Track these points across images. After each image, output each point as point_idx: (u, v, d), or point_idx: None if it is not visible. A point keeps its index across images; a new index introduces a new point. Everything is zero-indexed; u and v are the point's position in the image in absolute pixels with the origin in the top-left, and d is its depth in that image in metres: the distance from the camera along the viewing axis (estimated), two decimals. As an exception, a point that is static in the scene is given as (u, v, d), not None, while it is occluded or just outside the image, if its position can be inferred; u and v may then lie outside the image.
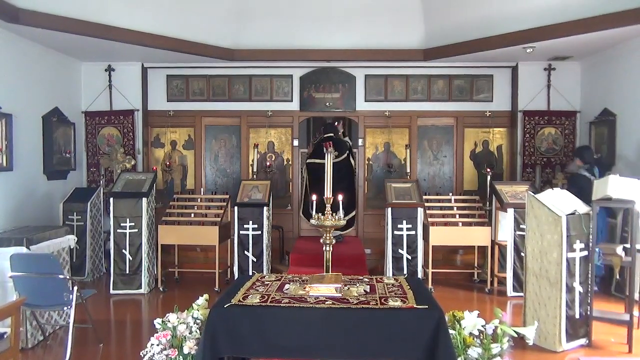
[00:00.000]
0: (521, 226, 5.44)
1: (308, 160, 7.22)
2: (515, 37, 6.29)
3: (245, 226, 6.06)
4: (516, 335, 3.32)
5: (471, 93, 7.80)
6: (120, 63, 7.54)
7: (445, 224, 6.09)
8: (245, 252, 6.05)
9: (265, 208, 6.09)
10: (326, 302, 2.82)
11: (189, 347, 3.18)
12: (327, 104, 7.80)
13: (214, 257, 6.01)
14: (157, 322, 3.43)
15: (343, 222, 3.48)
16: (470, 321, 3.21)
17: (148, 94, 7.84)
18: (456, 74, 7.76)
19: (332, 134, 7.10)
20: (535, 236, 4.26)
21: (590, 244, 4.19)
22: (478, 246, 6.26)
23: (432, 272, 5.98)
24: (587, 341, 4.20)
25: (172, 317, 3.39)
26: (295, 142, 7.95)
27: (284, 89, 7.90)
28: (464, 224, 6.07)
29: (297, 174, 7.97)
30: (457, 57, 7.09)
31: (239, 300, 2.86)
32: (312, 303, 2.82)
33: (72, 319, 4.00)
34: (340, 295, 2.92)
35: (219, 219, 6.18)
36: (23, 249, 4.24)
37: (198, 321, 3.36)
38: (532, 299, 4.31)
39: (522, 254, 4.89)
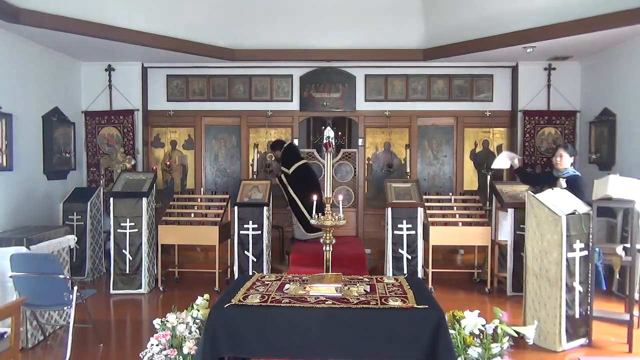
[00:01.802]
0: (521, 226, 5.44)
1: (293, 168, 7.00)
2: (515, 37, 6.28)
3: (245, 226, 6.05)
4: (516, 335, 3.32)
5: (471, 93, 7.80)
6: (120, 63, 7.55)
7: (445, 223, 6.09)
8: (245, 252, 6.05)
9: (265, 208, 6.09)
10: (326, 302, 2.82)
11: (189, 347, 3.18)
12: (324, 103, 7.78)
13: (214, 257, 6.01)
14: (157, 322, 3.43)
15: (343, 222, 3.48)
16: (470, 321, 3.21)
17: (148, 93, 7.84)
18: (456, 73, 7.76)
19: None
20: (535, 236, 4.26)
21: (590, 244, 4.19)
22: (478, 246, 6.26)
23: (432, 272, 5.98)
24: (587, 341, 4.20)
25: (171, 317, 3.38)
26: (295, 142, 7.94)
27: (283, 88, 7.90)
28: (464, 223, 6.07)
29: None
30: (457, 57, 7.08)
31: (239, 300, 2.86)
32: (312, 303, 2.81)
33: (72, 319, 3.99)
34: (341, 295, 2.92)
35: (219, 219, 6.18)
36: (23, 249, 4.24)
37: (197, 321, 3.36)
38: (532, 299, 4.31)
39: (522, 254, 4.89)
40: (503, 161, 6.01)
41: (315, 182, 7.11)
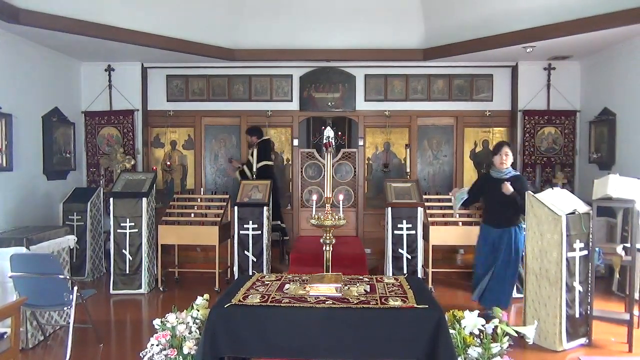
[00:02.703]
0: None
1: (260, 165, 7.05)
2: (515, 36, 6.28)
3: (245, 226, 6.06)
4: (516, 335, 3.32)
5: (471, 93, 7.80)
6: (120, 63, 7.54)
7: (445, 223, 6.09)
8: (245, 252, 6.05)
9: (265, 208, 6.09)
10: (326, 302, 2.82)
11: (189, 347, 3.18)
12: (329, 103, 7.80)
13: (214, 257, 6.01)
14: (156, 322, 3.43)
15: (343, 222, 3.47)
16: (470, 321, 3.21)
17: (148, 94, 7.84)
18: (456, 73, 7.76)
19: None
20: (535, 236, 4.26)
21: (590, 244, 4.19)
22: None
23: (432, 272, 5.98)
24: (587, 340, 4.20)
25: (170, 317, 3.38)
26: (295, 142, 7.95)
27: (283, 88, 7.90)
28: (464, 223, 6.07)
29: (297, 174, 7.98)
30: (457, 57, 7.08)
31: (239, 300, 2.86)
32: (312, 303, 2.81)
33: (72, 319, 4.00)
34: (341, 295, 2.92)
35: (219, 219, 6.18)
36: (23, 249, 4.24)
37: (197, 321, 3.35)
38: (532, 299, 4.31)
39: (522, 254, 4.89)
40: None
41: (275, 187, 7.11)
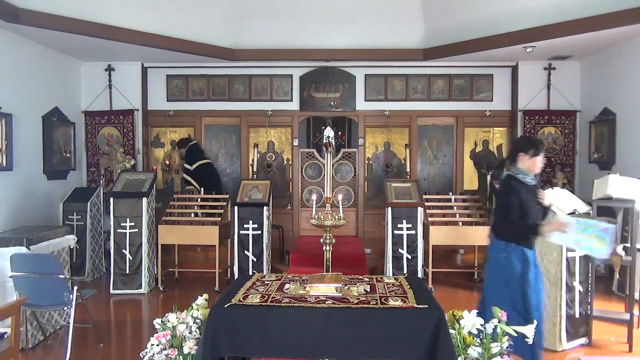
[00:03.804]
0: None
1: (196, 165, 7.26)
2: (515, 36, 6.29)
3: (245, 226, 6.06)
4: (516, 335, 3.31)
5: (471, 92, 7.80)
6: (120, 63, 7.55)
7: (446, 223, 6.09)
8: (245, 251, 6.05)
9: (265, 208, 6.09)
10: (326, 302, 2.82)
11: (189, 347, 3.18)
12: (332, 103, 7.79)
13: (214, 257, 6.01)
14: (157, 322, 3.43)
15: (343, 222, 3.48)
16: (469, 321, 3.21)
17: (148, 93, 7.84)
18: (456, 73, 7.76)
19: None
20: (535, 235, 4.25)
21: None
22: (478, 246, 6.26)
23: (432, 272, 5.98)
24: (587, 340, 4.20)
25: (171, 317, 3.38)
26: (295, 142, 7.95)
27: (283, 88, 7.90)
28: (464, 223, 6.07)
29: (297, 174, 7.98)
30: (457, 57, 7.09)
31: (239, 300, 2.86)
32: (312, 303, 2.81)
33: (72, 319, 4.00)
34: (341, 294, 2.92)
35: (219, 219, 6.18)
36: (23, 249, 4.24)
37: (198, 321, 3.35)
38: (532, 299, 4.30)
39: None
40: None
41: (218, 182, 7.27)
